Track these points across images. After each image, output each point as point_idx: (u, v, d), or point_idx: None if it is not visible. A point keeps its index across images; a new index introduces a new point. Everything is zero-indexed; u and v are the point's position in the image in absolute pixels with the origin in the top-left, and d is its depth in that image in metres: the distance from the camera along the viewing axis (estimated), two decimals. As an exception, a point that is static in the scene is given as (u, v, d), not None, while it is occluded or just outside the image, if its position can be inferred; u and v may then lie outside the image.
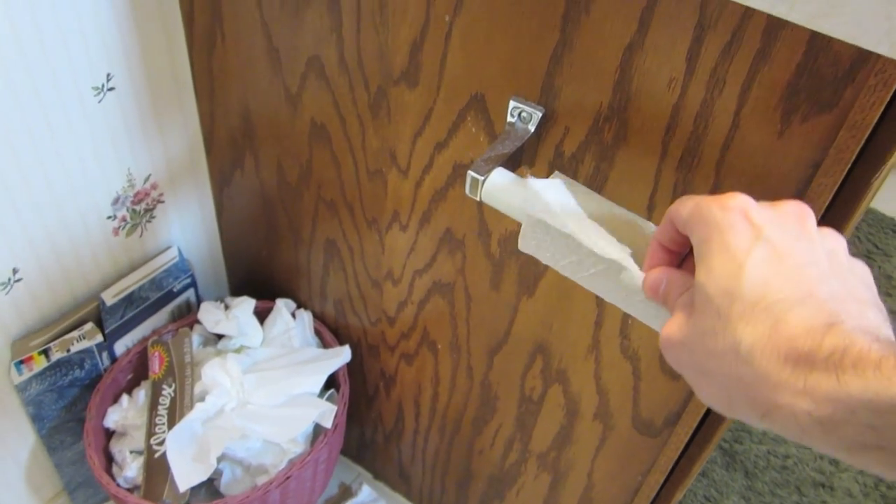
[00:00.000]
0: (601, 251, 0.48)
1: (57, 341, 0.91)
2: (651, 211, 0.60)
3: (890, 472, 0.31)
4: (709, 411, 0.69)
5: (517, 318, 0.78)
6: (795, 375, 0.31)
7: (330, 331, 1.06)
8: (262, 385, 0.95)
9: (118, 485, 0.91)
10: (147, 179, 0.95)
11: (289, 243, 1.00)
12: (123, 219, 0.94)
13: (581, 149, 0.61)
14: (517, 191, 0.56)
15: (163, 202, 0.99)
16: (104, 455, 0.96)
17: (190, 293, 1.08)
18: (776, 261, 0.34)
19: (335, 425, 0.95)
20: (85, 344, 0.93)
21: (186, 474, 0.86)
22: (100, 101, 0.82)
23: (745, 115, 0.51)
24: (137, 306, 1.00)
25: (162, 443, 0.90)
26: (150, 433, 0.93)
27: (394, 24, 0.66)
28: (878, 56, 0.43)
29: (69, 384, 0.95)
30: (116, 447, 0.96)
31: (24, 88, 0.74)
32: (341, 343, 1.04)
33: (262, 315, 1.05)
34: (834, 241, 0.37)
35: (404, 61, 0.68)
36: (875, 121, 0.46)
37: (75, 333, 0.93)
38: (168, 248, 1.03)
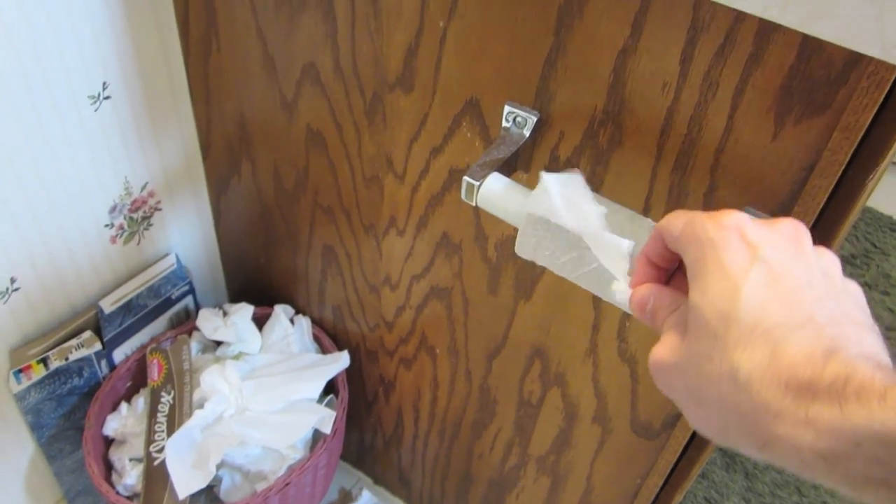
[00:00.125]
0: (603, 245, 0.48)
1: (55, 350, 0.91)
2: (647, 214, 0.60)
3: None
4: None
5: (515, 321, 0.79)
6: (797, 405, 0.30)
7: (328, 336, 1.06)
8: (261, 391, 0.95)
9: (118, 493, 0.91)
10: (144, 187, 0.95)
11: (287, 249, 1.00)
12: (121, 227, 0.94)
13: (576, 153, 0.61)
14: (513, 195, 0.56)
15: (160, 210, 0.99)
16: (103, 463, 0.96)
17: (188, 300, 1.08)
18: (773, 282, 0.33)
19: (334, 431, 0.95)
20: (83, 352, 0.93)
21: (186, 481, 0.86)
22: (96, 110, 0.82)
23: (738, 117, 0.51)
24: (136, 314, 1.00)
25: (161, 450, 0.90)
26: (150, 440, 0.93)
27: (388, 30, 0.66)
28: (871, 58, 0.43)
29: (68, 392, 0.95)
30: (116, 455, 0.96)
31: (21, 98, 0.74)
32: (340, 348, 1.04)
33: (260, 321, 1.05)
34: (829, 261, 0.36)
35: (399, 67, 0.68)
36: (868, 122, 0.46)
37: (74, 342, 0.93)
38: (166, 255, 1.03)
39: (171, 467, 0.87)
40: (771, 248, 0.34)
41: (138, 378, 1.02)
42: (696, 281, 0.35)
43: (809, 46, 0.46)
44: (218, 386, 0.92)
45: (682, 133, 0.54)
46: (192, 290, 1.07)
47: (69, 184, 0.84)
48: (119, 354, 1.00)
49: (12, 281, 0.84)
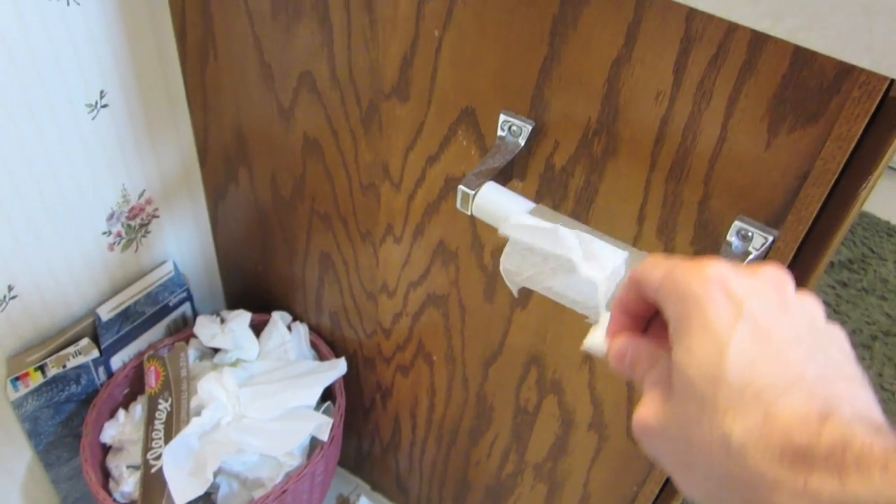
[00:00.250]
0: (597, 255, 0.49)
1: (53, 357, 0.91)
2: (641, 222, 0.61)
3: None
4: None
5: (511, 329, 0.79)
6: (794, 475, 0.28)
7: (326, 343, 1.06)
8: (259, 398, 0.95)
9: (115, 500, 0.91)
10: (142, 195, 0.95)
11: (284, 256, 1.00)
12: (118, 234, 0.95)
13: (571, 161, 0.61)
14: (508, 205, 0.57)
15: (158, 217, 0.99)
16: (101, 470, 0.96)
17: (186, 307, 1.08)
18: (760, 339, 0.32)
19: (331, 438, 0.95)
20: (81, 359, 0.93)
21: (183, 489, 0.86)
22: (93, 118, 0.83)
23: (732, 126, 0.52)
24: (133, 321, 1.00)
25: (159, 457, 0.90)
26: (147, 448, 0.93)
27: (384, 40, 0.67)
28: (862, 68, 0.44)
29: (65, 400, 0.95)
30: (113, 462, 0.96)
31: (18, 106, 0.75)
32: (337, 355, 1.04)
33: (258, 328, 1.06)
34: (811, 306, 0.35)
35: (395, 76, 0.68)
36: (860, 132, 0.46)
37: (71, 349, 0.93)
38: (163, 262, 1.03)
39: (169, 475, 0.87)
40: (755, 300, 0.33)
41: (136, 385, 1.02)
42: (681, 339, 0.33)
43: (801, 57, 0.46)
44: (215, 393, 0.93)
45: (676, 142, 0.55)
46: (189, 298, 1.07)
47: (67, 192, 0.85)
48: (116, 361, 1.00)
49: (10, 289, 0.84)
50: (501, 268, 0.56)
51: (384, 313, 0.93)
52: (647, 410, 0.35)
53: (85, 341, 0.94)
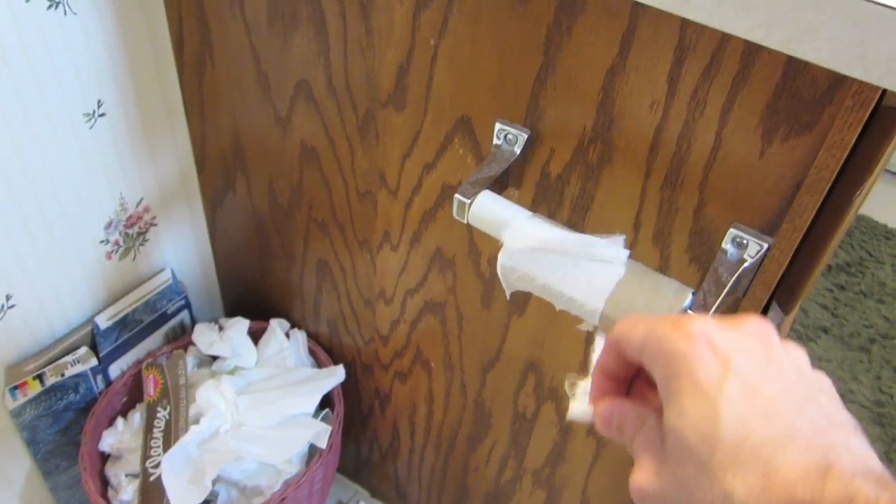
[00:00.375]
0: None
1: (51, 366, 0.91)
2: (637, 230, 0.61)
3: None
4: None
5: (508, 336, 0.79)
6: None
7: (324, 350, 1.06)
8: (257, 406, 0.95)
9: (114, 509, 0.91)
10: (139, 203, 0.95)
11: (282, 264, 1.00)
12: (116, 242, 0.95)
13: (567, 170, 0.62)
14: (504, 213, 0.57)
15: (155, 225, 0.99)
16: (100, 479, 0.96)
17: (184, 315, 1.08)
18: (751, 394, 0.31)
19: (330, 445, 0.95)
20: (79, 368, 0.93)
21: (182, 497, 0.86)
22: (91, 127, 0.83)
23: (726, 135, 0.52)
24: (131, 329, 1.00)
25: (157, 466, 0.90)
26: (146, 456, 0.93)
27: (380, 48, 0.67)
28: (854, 78, 0.44)
29: (64, 408, 0.95)
30: (112, 471, 0.96)
31: (16, 115, 0.75)
32: (335, 362, 1.04)
33: (256, 335, 1.06)
34: (797, 355, 0.35)
35: (391, 84, 0.68)
36: (853, 141, 0.46)
37: (69, 358, 0.93)
38: (161, 270, 1.04)
39: (168, 483, 0.87)
40: (742, 354, 0.33)
41: (134, 393, 1.02)
42: (672, 401, 0.33)
43: (794, 66, 0.47)
44: (214, 401, 0.93)
45: (671, 150, 0.55)
46: (187, 305, 1.08)
47: (65, 200, 0.85)
48: (115, 370, 1.00)
49: (8, 298, 0.84)
50: (499, 264, 0.56)
51: (382, 320, 0.93)
52: (643, 475, 0.34)
53: (83, 350, 0.94)
